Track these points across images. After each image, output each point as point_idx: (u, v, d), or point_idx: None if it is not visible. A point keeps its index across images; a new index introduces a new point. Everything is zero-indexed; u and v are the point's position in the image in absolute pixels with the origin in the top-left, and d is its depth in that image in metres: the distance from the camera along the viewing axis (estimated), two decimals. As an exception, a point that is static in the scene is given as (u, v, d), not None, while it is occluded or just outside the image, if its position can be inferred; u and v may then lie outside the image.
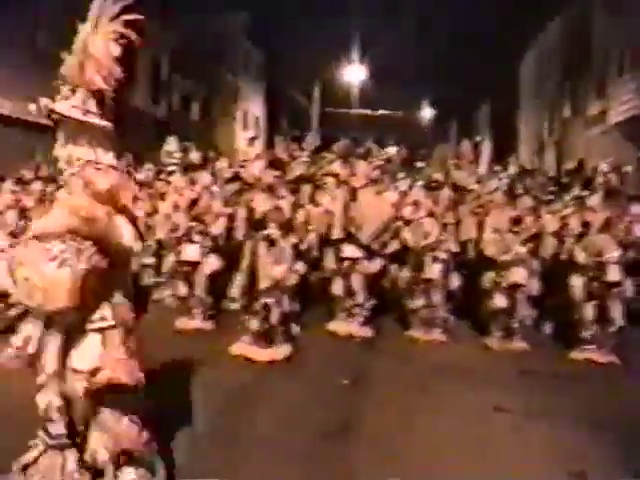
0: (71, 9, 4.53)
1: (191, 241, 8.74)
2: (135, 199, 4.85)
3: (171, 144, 10.79)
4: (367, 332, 8.44)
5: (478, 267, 8.66)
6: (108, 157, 3.82)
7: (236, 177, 10.26)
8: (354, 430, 5.35)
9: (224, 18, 31.83)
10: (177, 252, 8.94)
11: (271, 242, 7.44)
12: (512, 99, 38.66)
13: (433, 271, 8.38)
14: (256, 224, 7.67)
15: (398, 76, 36.50)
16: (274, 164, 9.78)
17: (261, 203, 7.71)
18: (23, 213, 8.76)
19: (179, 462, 4.52)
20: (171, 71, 26.86)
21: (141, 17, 3.77)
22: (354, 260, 8.47)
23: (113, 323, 3.75)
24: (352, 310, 8.51)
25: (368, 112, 35.21)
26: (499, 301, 8.10)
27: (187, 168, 10.51)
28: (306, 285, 9.19)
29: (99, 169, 3.75)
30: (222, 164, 10.60)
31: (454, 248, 8.73)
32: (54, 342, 3.71)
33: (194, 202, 9.49)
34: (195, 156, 10.71)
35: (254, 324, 7.41)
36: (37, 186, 9.58)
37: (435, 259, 8.42)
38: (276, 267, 7.36)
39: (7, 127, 15.06)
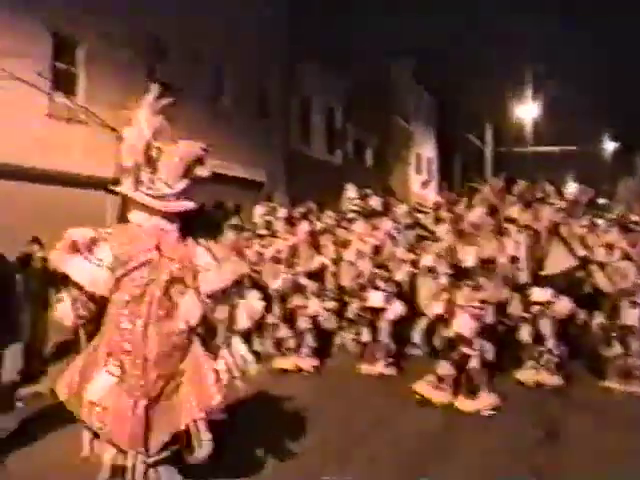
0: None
1: (375, 287, 8.92)
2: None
3: (350, 191, 11.13)
4: (557, 381, 8.07)
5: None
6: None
7: (416, 223, 10.37)
8: None
9: (394, 65, 32.59)
10: (361, 298, 9.16)
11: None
12: None
13: (631, 317, 7.88)
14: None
15: (574, 110, 35.06)
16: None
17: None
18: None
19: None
20: (345, 120, 27.80)
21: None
22: (543, 304, 8.18)
23: None
24: (541, 357, 8.18)
25: (543, 149, 33.94)
26: None
27: (367, 215, 10.76)
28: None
29: None
30: (402, 209, 10.74)
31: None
32: None
33: (377, 249, 9.72)
34: (375, 202, 10.94)
35: (445, 369, 7.35)
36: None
37: (633, 304, 7.92)
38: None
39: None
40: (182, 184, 4.51)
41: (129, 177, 4.43)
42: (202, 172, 4.63)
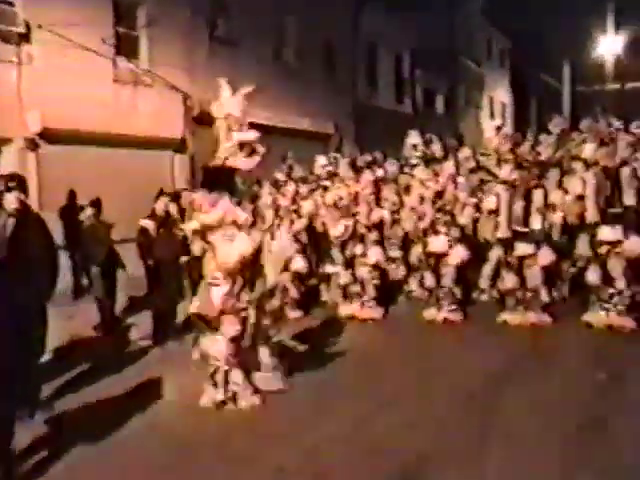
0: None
1: (437, 232, 8.83)
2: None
3: (413, 137, 10.95)
4: (629, 324, 7.82)
5: None
6: None
7: (479, 167, 10.13)
8: (608, 428, 4.98)
9: (463, 6, 31.46)
10: (424, 244, 9.09)
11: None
12: None
13: None
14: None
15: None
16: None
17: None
18: (278, 211, 9.61)
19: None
20: (413, 67, 27.17)
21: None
22: (613, 244, 7.88)
23: None
24: (611, 299, 7.93)
25: (622, 86, 32.15)
26: None
27: (430, 160, 10.59)
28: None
29: None
30: (465, 153, 10.50)
31: None
32: None
33: (439, 194, 9.59)
34: (436, 147, 10.74)
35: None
36: (290, 187, 10.37)
37: None
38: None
39: (263, 134, 16.38)
40: None
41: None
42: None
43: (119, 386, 6.12)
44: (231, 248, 5.62)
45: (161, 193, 8.32)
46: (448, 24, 29.52)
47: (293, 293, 9.35)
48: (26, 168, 11.44)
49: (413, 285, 9.96)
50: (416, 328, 8.40)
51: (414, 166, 10.50)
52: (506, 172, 8.62)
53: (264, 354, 6.01)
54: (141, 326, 8.40)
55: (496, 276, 8.96)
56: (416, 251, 9.50)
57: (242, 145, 5.90)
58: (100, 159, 12.02)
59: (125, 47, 13.66)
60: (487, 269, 9.26)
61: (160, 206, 8.09)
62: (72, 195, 10.64)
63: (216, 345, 5.67)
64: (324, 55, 20.61)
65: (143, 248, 7.98)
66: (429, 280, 8.95)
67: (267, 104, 16.64)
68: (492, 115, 35.64)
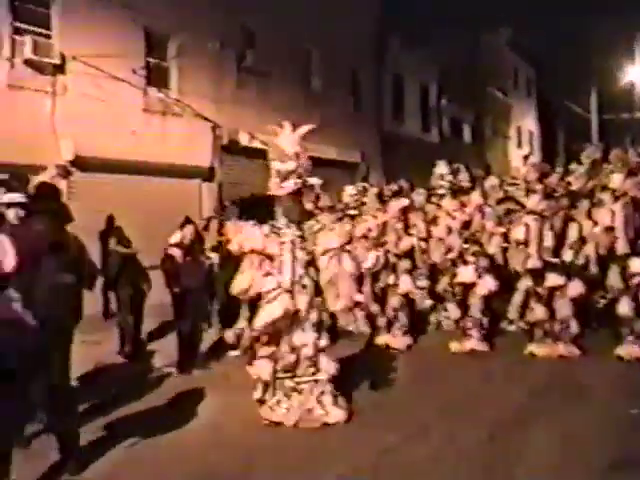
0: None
1: (466, 262, 8.77)
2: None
3: (441, 167, 10.92)
4: (662, 356, 7.66)
5: None
6: None
7: (507, 197, 10.08)
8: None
9: (488, 37, 31.57)
10: (452, 274, 9.03)
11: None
12: None
13: None
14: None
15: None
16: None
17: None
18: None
19: None
20: (439, 97, 27.28)
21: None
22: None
23: None
24: (642, 332, 7.78)
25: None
26: None
27: (457, 192, 10.54)
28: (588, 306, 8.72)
29: None
30: (492, 182, 10.46)
31: None
32: None
33: (467, 224, 9.53)
34: (464, 177, 10.70)
35: None
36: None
37: None
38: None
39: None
40: None
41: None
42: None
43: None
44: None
45: (187, 221, 8.39)
46: (474, 55, 29.65)
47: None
48: (58, 195, 11.66)
49: (442, 315, 9.88)
50: (443, 359, 8.31)
51: (442, 196, 10.46)
52: (534, 202, 8.55)
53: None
54: (166, 353, 8.43)
55: (525, 307, 8.85)
56: (444, 281, 9.43)
57: (285, 176, 5.93)
58: (130, 187, 12.20)
59: (155, 77, 13.94)
60: (516, 299, 9.15)
61: (186, 234, 8.16)
62: (110, 220, 10.73)
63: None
64: (351, 85, 20.80)
65: (170, 275, 8.04)
66: (454, 311, 8.87)
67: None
68: (520, 144, 35.55)
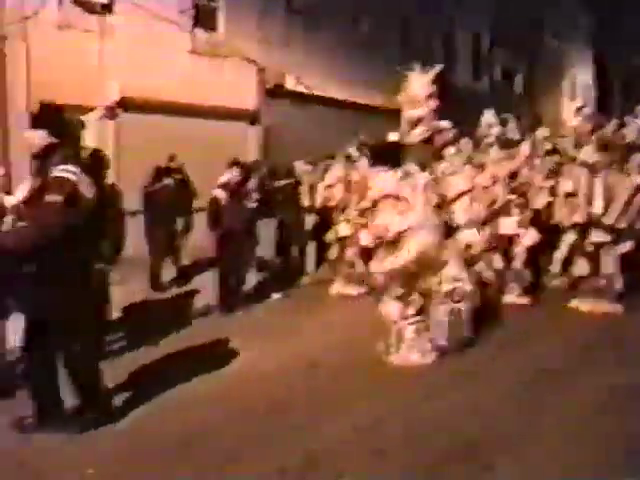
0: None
1: (509, 214, 8.62)
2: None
3: (488, 116, 10.62)
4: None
5: None
6: None
7: (555, 149, 9.79)
8: None
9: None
10: (495, 225, 8.89)
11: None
12: None
13: None
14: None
15: None
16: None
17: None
18: (349, 187, 9.54)
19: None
20: (492, 45, 26.44)
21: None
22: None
23: None
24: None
25: None
26: None
27: (505, 143, 10.26)
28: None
29: None
30: (543, 134, 10.15)
31: None
32: None
33: (513, 174, 9.32)
34: (512, 127, 10.39)
35: None
36: (363, 162, 10.20)
37: None
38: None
39: (336, 108, 16.30)
40: None
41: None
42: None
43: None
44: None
45: (234, 163, 8.41)
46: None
47: (360, 268, 9.37)
48: (104, 136, 11.79)
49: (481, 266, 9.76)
50: (483, 311, 8.26)
51: (489, 146, 10.19)
52: (587, 154, 8.31)
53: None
54: (206, 292, 8.60)
55: (569, 262, 8.70)
56: (486, 232, 9.29)
57: (416, 123, 6.09)
58: (176, 129, 12.22)
59: (203, 18, 13.80)
60: (560, 253, 9.00)
61: (232, 176, 8.19)
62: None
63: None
64: (401, 28, 20.26)
65: (213, 217, 8.11)
66: (498, 262, 8.75)
67: (342, 78, 16.59)
68: (573, 96, 34.39)
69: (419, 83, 6.09)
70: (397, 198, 6.10)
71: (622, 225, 7.83)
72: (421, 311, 6.22)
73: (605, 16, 34.20)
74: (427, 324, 6.24)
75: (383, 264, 6.18)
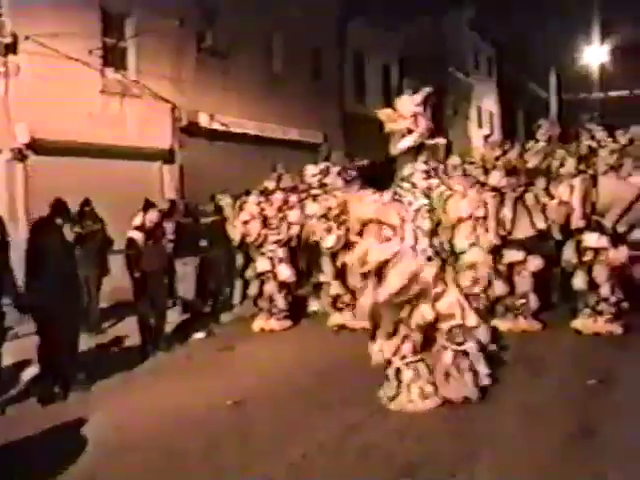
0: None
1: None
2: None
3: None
4: (615, 329, 7.87)
5: None
6: None
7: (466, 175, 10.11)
8: (598, 433, 4.93)
9: (449, 16, 31.64)
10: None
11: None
12: None
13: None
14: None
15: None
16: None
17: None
18: (265, 222, 9.56)
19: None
20: (401, 76, 27.27)
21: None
22: (597, 250, 7.94)
23: None
24: (597, 305, 7.97)
25: (610, 95, 32.38)
26: None
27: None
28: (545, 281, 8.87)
29: None
30: (453, 161, 10.47)
31: None
32: None
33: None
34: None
35: None
36: (279, 196, 10.20)
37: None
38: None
39: (251, 144, 16.37)
40: None
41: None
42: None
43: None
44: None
45: (148, 204, 8.30)
46: (435, 34, 29.72)
47: (280, 303, 9.40)
48: (14, 179, 11.43)
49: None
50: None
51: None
52: (495, 178, 8.65)
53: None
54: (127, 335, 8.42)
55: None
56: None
57: (401, 135, 5.91)
58: (88, 170, 11.95)
59: (113, 58, 13.65)
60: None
61: (150, 217, 8.09)
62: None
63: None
64: (311, 65, 20.66)
65: (131, 259, 7.97)
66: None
67: (256, 115, 16.72)
68: (480, 125, 35.83)
69: (406, 102, 6.07)
70: (381, 223, 5.75)
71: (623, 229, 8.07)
72: (421, 349, 5.70)
73: (506, 47, 35.95)
74: (427, 363, 5.71)
75: (368, 297, 5.74)
